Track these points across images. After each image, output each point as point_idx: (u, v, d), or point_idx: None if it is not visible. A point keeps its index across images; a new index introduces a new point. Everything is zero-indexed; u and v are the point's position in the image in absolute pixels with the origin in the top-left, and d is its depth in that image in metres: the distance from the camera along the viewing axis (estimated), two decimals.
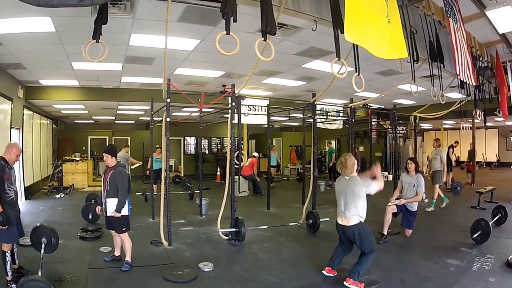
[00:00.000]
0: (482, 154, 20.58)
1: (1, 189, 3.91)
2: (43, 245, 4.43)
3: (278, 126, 22.01)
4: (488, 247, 5.46)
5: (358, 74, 3.99)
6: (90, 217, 7.07)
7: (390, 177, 9.20)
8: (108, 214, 4.62)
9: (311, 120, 7.52)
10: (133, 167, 10.55)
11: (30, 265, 4.47)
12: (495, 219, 6.65)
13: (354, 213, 4.09)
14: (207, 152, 18.60)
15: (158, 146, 9.90)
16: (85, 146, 17.74)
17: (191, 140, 18.67)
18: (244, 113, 8.37)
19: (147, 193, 9.83)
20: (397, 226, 6.34)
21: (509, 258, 4.71)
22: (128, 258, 4.68)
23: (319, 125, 10.73)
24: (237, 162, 6.58)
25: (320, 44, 6.35)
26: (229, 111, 6.28)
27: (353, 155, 4.44)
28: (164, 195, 5.89)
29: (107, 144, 15.47)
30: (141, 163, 11.38)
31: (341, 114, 11.44)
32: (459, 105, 8.48)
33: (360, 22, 3.59)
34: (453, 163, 12.52)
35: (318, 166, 8.25)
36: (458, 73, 6.12)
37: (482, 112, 9.19)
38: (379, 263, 4.85)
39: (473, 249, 5.42)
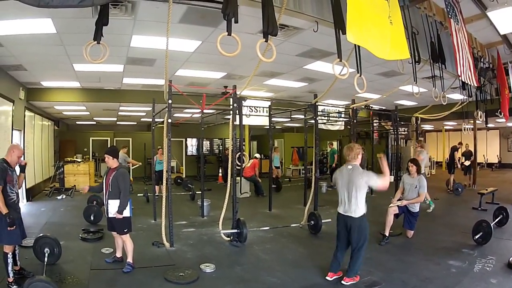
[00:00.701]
0: (484, 155, 20.51)
1: (4, 191, 3.91)
2: (46, 255, 4.48)
3: (279, 127, 22.01)
4: (490, 248, 5.44)
5: (360, 75, 3.98)
6: (92, 218, 7.09)
7: (392, 178, 9.17)
8: (110, 215, 4.62)
9: (313, 121, 7.52)
10: (133, 167, 10.56)
11: (31, 266, 4.48)
12: (496, 220, 6.63)
13: (356, 204, 4.10)
14: (208, 153, 18.62)
15: (159, 147, 9.92)
16: (87, 148, 17.75)
17: (192, 141, 18.67)
18: (245, 114, 8.37)
19: (148, 194, 9.84)
20: (398, 227, 6.33)
21: (510, 259, 4.69)
22: (129, 259, 4.68)
23: (321, 126, 10.76)
24: (239, 163, 6.57)
25: (321, 45, 6.35)
26: (231, 112, 6.27)
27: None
28: (166, 196, 5.89)
29: (109, 146, 15.53)
30: (140, 164, 11.40)
31: (342, 115, 11.44)
32: (460, 106, 8.46)
33: (362, 22, 3.58)
34: (457, 165, 12.46)
35: (319, 167, 8.23)
36: (459, 74, 6.11)
37: (484, 113, 9.17)
38: (381, 264, 4.85)
39: (474, 250, 5.40)
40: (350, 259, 4.22)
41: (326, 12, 4.39)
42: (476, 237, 5.67)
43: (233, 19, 3.34)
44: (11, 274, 3.99)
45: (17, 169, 4.31)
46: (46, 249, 4.58)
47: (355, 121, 7.86)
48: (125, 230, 4.68)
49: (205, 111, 7.67)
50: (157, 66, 7.65)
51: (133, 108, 13.57)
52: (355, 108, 7.93)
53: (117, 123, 19.16)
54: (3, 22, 4.93)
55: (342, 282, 4.18)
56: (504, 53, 8.19)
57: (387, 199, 6.39)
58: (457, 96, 9.97)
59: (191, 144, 18.71)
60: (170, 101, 5.74)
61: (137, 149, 17.24)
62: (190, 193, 10.74)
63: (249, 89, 9.79)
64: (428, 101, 8.24)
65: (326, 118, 10.92)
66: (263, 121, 9.73)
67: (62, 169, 11.98)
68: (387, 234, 5.94)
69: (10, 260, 3.99)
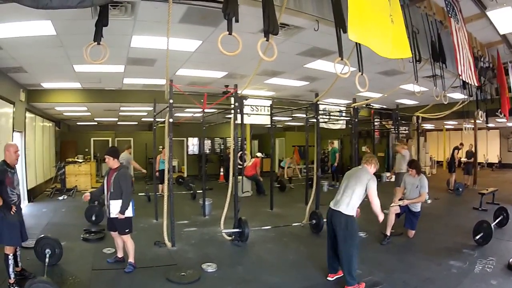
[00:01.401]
0: (484, 155, 20.47)
1: (3, 193, 3.91)
2: (47, 256, 4.49)
3: (281, 126, 21.99)
4: (490, 249, 5.44)
5: (362, 74, 3.98)
6: (93, 218, 7.10)
7: (393, 178, 9.14)
8: (112, 215, 4.62)
9: (314, 120, 7.52)
10: (135, 171, 10.54)
11: (32, 267, 4.49)
12: (497, 221, 6.60)
13: (349, 197, 4.05)
14: (210, 152, 18.62)
15: (162, 147, 9.91)
16: (88, 148, 17.75)
17: (194, 141, 18.67)
18: (247, 113, 8.35)
19: (149, 194, 9.85)
20: (400, 227, 6.32)
21: (510, 260, 4.68)
22: (131, 259, 4.69)
23: (322, 125, 10.74)
24: (241, 162, 6.57)
25: (322, 44, 6.33)
26: (232, 111, 6.26)
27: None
28: (168, 195, 5.89)
29: (110, 146, 15.52)
30: (145, 171, 11.39)
31: (344, 114, 11.43)
32: (461, 105, 8.45)
33: (363, 21, 3.57)
34: (456, 163, 12.44)
35: (320, 166, 8.22)
36: (460, 73, 6.10)
37: (484, 113, 9.15)
38: (381, 264, 4.85)
39: (475, 251, 5.40)
40: (343, 270, 4.09)
41: (327, 11, 4.39)
42: (477, 237, 5.66)
43: (233, 19, 3.33)
44: (12, 275, 3.99)
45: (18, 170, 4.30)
46: (47, 250, 4.59)
47: (356, 120, 7.85)
48: (126, 230, 4.69)
49: (206, 110, 7.67)
50: (157, 66, 7.64)
51: (134, 108, 13.57)
52: (356, 107, 7.92)
53: (118, 123, 19.15)
54: (2, 25, 4.91)
55: None
56: (504, 53, 8.18)
57: (388, 199, 6.38)
58: (457, 95, 9.95)
59: (192, 144, 18.70)
60: (171, 101, 5.74)
61: (139, 149, 17.25)
62: (192, 192, 10.74)
63: (250, 88, 9.78)
64: (429, 100, 8.20)
65: (327, 117, 10.91)
66: (264, 120, 9.73)
67: (64, 169, 11.97)
68: (388, 234, 5.93)
69: (11, 261, 3.99)
